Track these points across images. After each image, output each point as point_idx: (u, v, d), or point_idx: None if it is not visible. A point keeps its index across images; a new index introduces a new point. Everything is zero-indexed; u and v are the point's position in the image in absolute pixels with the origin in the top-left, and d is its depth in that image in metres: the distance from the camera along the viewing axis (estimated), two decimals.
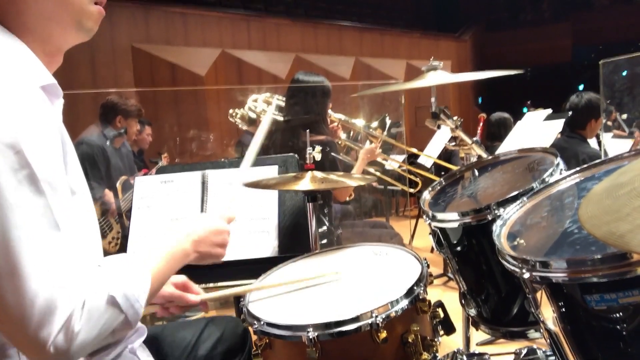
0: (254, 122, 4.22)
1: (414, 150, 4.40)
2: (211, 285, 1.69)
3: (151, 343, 1.24)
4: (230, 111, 4.24)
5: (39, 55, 0.91)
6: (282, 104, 2.81)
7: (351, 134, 3.81)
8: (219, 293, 1.35)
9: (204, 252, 1.13)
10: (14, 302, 0.76)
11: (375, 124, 3.48)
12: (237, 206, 1.32)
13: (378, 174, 3.62)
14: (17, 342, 0.83)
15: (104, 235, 3.24)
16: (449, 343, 2.04)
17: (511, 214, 1.26)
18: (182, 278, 1.27)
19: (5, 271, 0.76)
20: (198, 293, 1.29)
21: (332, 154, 2.63)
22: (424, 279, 1.23)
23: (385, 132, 4.09)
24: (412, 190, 4.05)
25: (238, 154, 4.18)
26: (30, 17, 0.90)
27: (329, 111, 2.96)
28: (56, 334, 0.77)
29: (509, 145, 3.45)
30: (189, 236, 1.11)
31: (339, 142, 3.31)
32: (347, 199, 3.35)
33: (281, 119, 2.70)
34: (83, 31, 0.96)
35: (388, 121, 4.90)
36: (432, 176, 3.72)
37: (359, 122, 3.39)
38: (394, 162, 4.33)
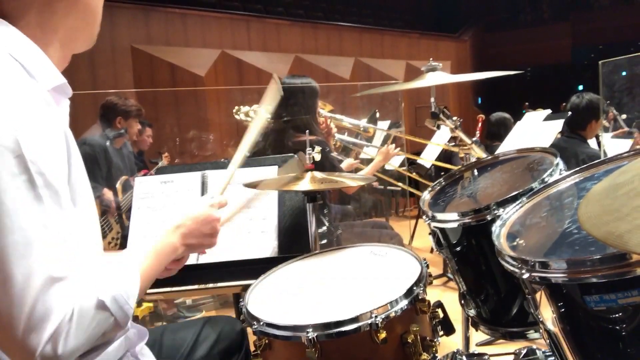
0: None
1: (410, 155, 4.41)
2: (210, 285, 1.70)
3: (153, 345, 1.24)
4: (235, 109, 4.24)
5: (54, 59, 0.94)
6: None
7: (355, 135, 3.80)
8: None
9: (193, 244, 1.13)
10: (4, 309, 0.76)
11: (364, 121, 3.47)
12: (231, 192, 1.31)
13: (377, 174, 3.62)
14: (6, 347, 0.82)
15: (103, 236, 3.23)
16: (448, 343, 2.03)
17: (511, 214, 1.26)
18: None
19: None
20: None
21: (324, 152, 2.62)
22: (423, 279, 1.23)
23: (379, 127, 4.03)
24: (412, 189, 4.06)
25: None
26: (62, 27, 0.95)
27: (320, 110, 2.95)
28: (45, 343, 0.76)
29: (509, 145, 3.45)
30: (177, 229, 1.11)
31: (335, 143, 3.30)
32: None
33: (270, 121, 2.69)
34: (93, 42, 1.05)
35: (378, 115, 4.89)
36: (427, 182, 3.74)
37: (350, 119, 3.37)
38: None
